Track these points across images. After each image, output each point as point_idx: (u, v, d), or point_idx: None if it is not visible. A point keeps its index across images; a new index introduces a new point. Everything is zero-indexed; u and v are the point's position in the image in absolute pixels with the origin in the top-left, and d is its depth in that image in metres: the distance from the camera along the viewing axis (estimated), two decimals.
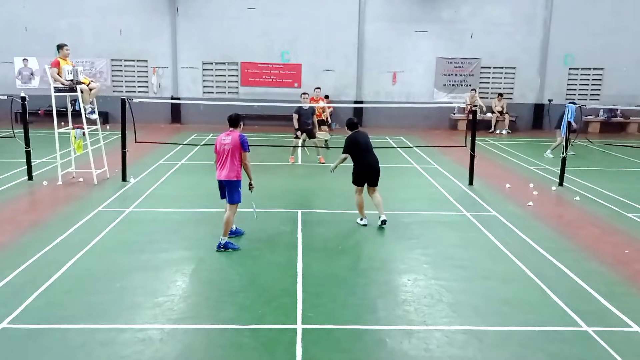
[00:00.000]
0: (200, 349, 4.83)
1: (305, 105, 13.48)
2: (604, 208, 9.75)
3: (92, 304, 5.56)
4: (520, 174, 12.74)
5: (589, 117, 20.69)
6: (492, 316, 5.51)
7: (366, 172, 8.30)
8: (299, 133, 13.29)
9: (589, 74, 21.67)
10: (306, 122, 13.32)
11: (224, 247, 7.11)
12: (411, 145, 15.66)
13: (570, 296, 5.94)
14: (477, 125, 11.61)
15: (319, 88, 17.10)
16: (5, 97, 11.28)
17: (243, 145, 7.07)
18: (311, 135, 13.47)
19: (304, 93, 14.06)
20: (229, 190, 7.15)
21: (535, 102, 21.82)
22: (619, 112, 21.23)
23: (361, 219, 8.42)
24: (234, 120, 7.26)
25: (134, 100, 11.37)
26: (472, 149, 11.23)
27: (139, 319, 5.29)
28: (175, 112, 21.47)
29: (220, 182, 7.27)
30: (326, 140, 13.84)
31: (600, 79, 21.68)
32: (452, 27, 21.14)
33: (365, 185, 8.39)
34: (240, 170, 7.13)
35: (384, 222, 8.24)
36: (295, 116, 13.28)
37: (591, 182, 11.70)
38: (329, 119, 19.01)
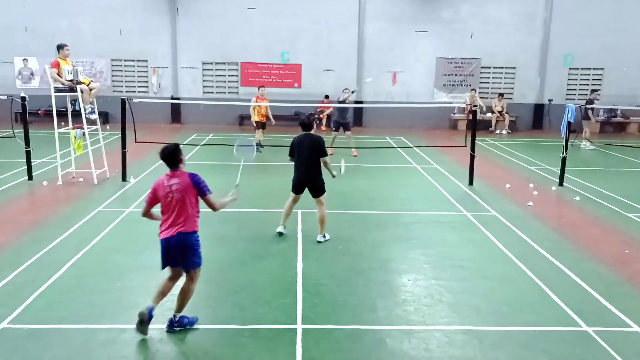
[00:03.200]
0: (200, 349, 4.83)
1: (342, 98, 14.60)
2: (604, 208, 9.75)
3: (92, 304, 5.56)
4: (520, 174, 12.74)
5: None
6: (492, 316, 5.51)
7: (297, 181, 7.63)
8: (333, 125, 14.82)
9: (589, 74, 21.67)
10: (343, 116, 14.56)
11: (177, 324, 5.03)
12: (411, 145, 15.65)
13: (570, 296, 5.94)
14: (477, 125, 11.62)
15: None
16: (5, 97, 11.28)
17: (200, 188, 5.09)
18: (346, 128, 14.61)
19: (346, 88, 14.97)
20: (189, 251, 4.99)
21: (535, 102, 21.83)
22: (619, 112, 21.22)
23: (279, 226, 7.78)
24: (171, 156, 5.01)
25: (134, 100, 11.37)
26: (472, 149, 11.23)
27: None
28: (175, 112, 21.47)
29: (169, 242, 4.91)
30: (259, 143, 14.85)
31: (600, 79, 21.67)
32: (452, 27, 21.14)
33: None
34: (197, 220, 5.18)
35: (319, 242, 7.55)
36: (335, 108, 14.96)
37: (591, 182, 11.69)
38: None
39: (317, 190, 7.60)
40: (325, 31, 21.03)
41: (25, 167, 11.03)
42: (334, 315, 5.45)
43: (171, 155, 5.00)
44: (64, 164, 11.21)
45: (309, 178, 7.55)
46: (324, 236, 7.63)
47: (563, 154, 11.42)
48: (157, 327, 5.10)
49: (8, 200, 9.58)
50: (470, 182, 11.27)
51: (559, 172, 11.59)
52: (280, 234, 7.76)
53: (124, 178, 11.08)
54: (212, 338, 5.02)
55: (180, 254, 4.95)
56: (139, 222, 8.42)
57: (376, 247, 7.53)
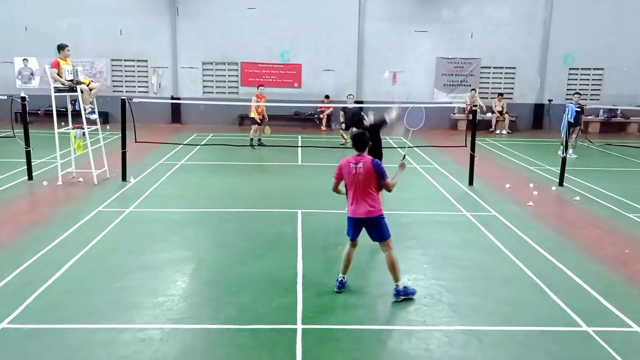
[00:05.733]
0: (200, 349, 4.83)
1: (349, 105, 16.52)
2: (604, 208, 9.74)
3: (92, 304, 5.56)
4: (520, 174, 12.74)
5: (589, 117, 20.66)
6: (492, 316, 5.51)
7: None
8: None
9: (589, 74, 21.66)
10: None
11: (403, 294, 5.78)
12: (411, 145, 15.62)
13: (570, 296, 5.94)
14: (477, 125, 11.62)
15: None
16: (5, 97, 11.30)
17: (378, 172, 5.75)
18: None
19: (350, 94, 17.44)
20: (376, 227, 5.83)
21: (536, 102, 21.82)
22: (619, 112, 21.23)
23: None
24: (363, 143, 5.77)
25: (134, 100, 11.38)
26: (472, 149, 11.23)
27: (139, 319, 5.29)
28: (175, 112, 21.47)
29: (357, 220, 5.81)
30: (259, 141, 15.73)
31: (600, 79, 21.67)
32: (452, 27, 21.14)
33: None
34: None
35: None
36: (341, 113, 17.01)
37: (591, 182, 11.69)
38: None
39: None
40: (325, 31, 21.02)
41: (25, 167, 11.03)
42: (334, 315, 5.44)
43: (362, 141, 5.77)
44: (64, 164, 11.21)
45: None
46: None
47: (563, 154, 11.42)
48: (157, 327, 5.11)
49: (8, 200, 9.58)
50: (470, 182, 11.27)
51: (559, 172, 11.58)
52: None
53: (124, 178, 11.07)
54: (212, 338, 5.01)
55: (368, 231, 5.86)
56: (139, 222, 8.47)
57: (376, 247, 7.49)
